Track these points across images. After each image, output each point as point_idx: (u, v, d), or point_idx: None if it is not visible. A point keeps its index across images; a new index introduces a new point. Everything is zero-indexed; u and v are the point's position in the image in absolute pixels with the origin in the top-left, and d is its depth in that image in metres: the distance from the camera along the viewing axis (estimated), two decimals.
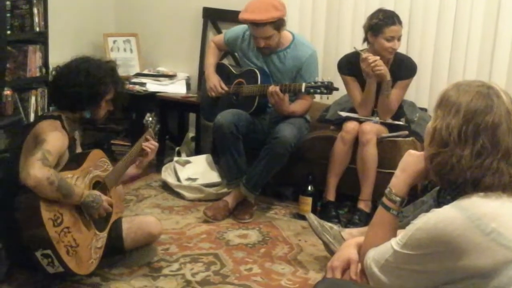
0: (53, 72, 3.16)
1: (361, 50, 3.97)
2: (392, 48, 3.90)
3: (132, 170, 3.25)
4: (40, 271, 2.74)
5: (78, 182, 2.83)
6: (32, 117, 4.39)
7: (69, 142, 2.93)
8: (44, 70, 4.47)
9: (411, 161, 1.89)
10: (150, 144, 3.25)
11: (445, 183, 1.76)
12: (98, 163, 3.05)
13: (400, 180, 1.90)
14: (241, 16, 3.97)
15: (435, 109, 1.77)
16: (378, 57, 3.83)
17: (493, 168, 1.65)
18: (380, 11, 3.93)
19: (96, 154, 3.08)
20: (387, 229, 1.90)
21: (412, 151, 1.91)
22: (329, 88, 3.84)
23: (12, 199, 2.68)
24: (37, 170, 2.59)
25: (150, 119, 3.43)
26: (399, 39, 3.92)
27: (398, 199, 1.88)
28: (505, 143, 1.66)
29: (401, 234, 1.74)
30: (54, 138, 2.79)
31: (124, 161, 3.15)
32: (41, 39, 4.44)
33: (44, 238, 2.58)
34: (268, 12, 3.87)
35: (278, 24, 3.94)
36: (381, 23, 3.84)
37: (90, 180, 2.94)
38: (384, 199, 1.91)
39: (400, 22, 3.91)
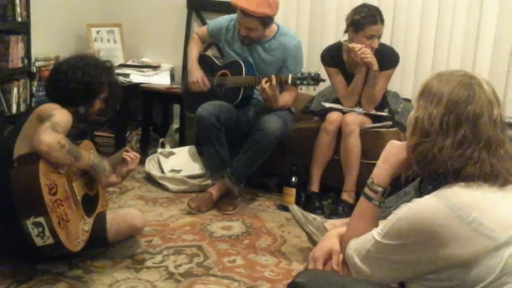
0: (51, 68, 3.20)
1: (346, 41, 3.97)
2: (371, 46, 3.89)
3: (112, 178, 3.28)
4: (25, 252, 2.75)
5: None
6: (14, 108, 4.36)
7: None
8: (26, 61, 4.44)
9: (393, 151, 1.89)
10: (131, 154, 3.29)
11: (426, 173, 1.76)
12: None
13: (382, 170, 1.90)
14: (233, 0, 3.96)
15: (417, 99, 1.78)
16: (363, 45, 3.83)
17: (474, 158, 1.66)
18: (364, 6, 3.92)
19: (87, 145, 3.16)
20: (368, 219, 1.91)
21: (394, 142, 1.92)
22: (316, 79, 3.84)
23: (1, 183, 2.73)
24: (48, 136, 2.66)
25: (134, 137, 3.50)
26: (379, 37, 3.93)
27: (380, 189, 1.89)
28: (486, 134, 1.67)
29: (383, 224, 1.75)
30: (62, 113, 2.85)
31: (110, 161, 3.20)
32: (23, 29, 4.40)
33: (39, 203, 2.59)
34: (260, 6, 3.86)
35: (266, 21, 3.94)
36: (363, 21, 3.84)
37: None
38: (366, 189, 1.92)
39: (382, 21, 3.90)
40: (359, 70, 3.94)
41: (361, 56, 3.84)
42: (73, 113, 3.03)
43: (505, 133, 1.73)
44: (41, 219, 2.60)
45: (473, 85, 1.70)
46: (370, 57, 3.84)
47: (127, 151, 3.30)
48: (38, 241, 2.63)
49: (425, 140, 1.71)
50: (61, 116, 2.82)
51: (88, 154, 2.93)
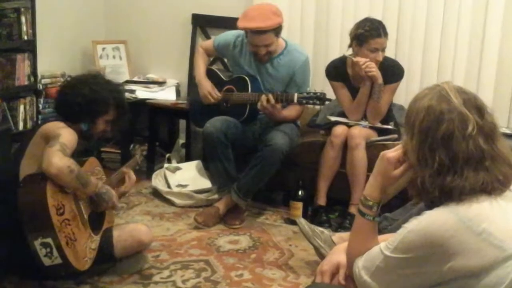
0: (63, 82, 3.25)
1: (350, 55, 3.98)
2: (376, 59, 3.90)
3: None
4: (33, 268, 2.74)
5: None
6: (21, 125, 4.38)
7: None
8: (32, 79, 4.47)
9: (380, 164, 1.87)
10: (130, 174, 3.31)
11: (420, 200, 1.78)
12: (94, 170, 3.14)
13: (371, 184, 1.90)
14: (242, 24, 3.95)
15: (404, 129, 1.80)
16: (368, 59, 3.85)
17: (458, 180, 1.65)
18: (367, 20, 3.93)
19: (92, 162, 3.17)
20: (365, 234, 1.90)
21: (384, 154, 1.87)
22: (321, 99, 3.88)
23: (8, 201, 2.73)
24: (58, 159, 2.67)
25: (138, 149, 3.52)
26: (383, 51, 3.94)
27: (370, 203, 1.88)
28: (462, 152, 1.65)
29: (391, 238, 1.74)
30: (68, 133, 2.87)
31: (109, 180, 3.22)
32: (29, 47, 4.43)
33: (47, 224, 2.61)
34: (269, 19, 3.87)
35: (278, 30, 3.95)
36: (366, 34, 3.85)
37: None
38: (360, 206, 1.91)
39: (385, 34, 3.92)
40: (363, 84, 3.95)
41: (366, 70, 3.85)
42: (77, 130, 3.06)
43: (493, 140, 1.70)
44: (49, 240, 2.61)
45: (441, 103, 1.68)
46: (374, 70, 3.85)
47: (125, 172, 3.31)
48: (46, 261, 2.64)
49: (410, 172, 1.75)
50: (67, 136, 2.83)
51: (95, 182, 2.94)
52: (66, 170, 2.68)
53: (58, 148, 2.71)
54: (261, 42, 3.94)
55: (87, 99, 3.04)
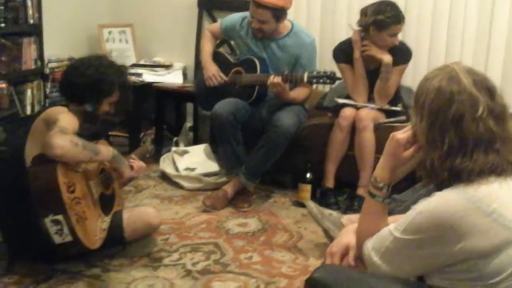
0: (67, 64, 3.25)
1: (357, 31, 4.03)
2: (393, 43, 3.95)
3: None
4: (44, 250, 2.77)
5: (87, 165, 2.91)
6: (28, 109, 4.38)
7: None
8: (39, 63, 4.47)
9: (390, 145, 1.87)
10: (137, 162, 3.29)
11: (429, 181, 1.77)
12: None
13: (381, 165, 1.90)
14: None
15: (412, 110, 1.79)
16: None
17: (467, 161, 1.64)
18: (387, 5, 3.92)
19: (103, 144, 3.16)
20: (375, 216, 1.90)
21: (394, 135, 1.87)
22: (332, 78, 3.87)
23: (17, 185, 2.74)
24: (58, 139, 2.64)
25: (148, 139, 3.53)
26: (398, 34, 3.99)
27: (381, 185, 1.88)
28: (472, 133, 1.65)
29: (401, 219, 1.74)
30: (67, 117, 2.85)
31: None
32: (36, 31, 4.42)
33: (58, 201, 2.61)
34: None
35: (279, 13, 3.93)
36: (388, 21, 3.87)
37: (98, 166, 3.02)
38: (370, 187, 1.92)
39: (403, 19, 3.97)
40: (356, 60, 3.98)
41: (361, 49, 3.95)
42: (82, 112, 3.06)
43: (504, 121, 1.69)
44: (59, 217, 2.62)
45: (452, 84, 1.68)
46: (370, 49, 3.96)
47: (134, 159, 3.31)
48: (57, 239, 2.65)
49: (419, 153, 1.75)
50: (67, 119, 2.82)
51: (106, 147, 2.97)
52: (70, 145, 2.65)
53: (56, 130, 2.70)
54: (255, 14, 3.95)
55: (92, 79, 3.03)
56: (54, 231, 2.63)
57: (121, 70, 3.22)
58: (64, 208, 2.62)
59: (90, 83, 3.02)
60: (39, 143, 2.80)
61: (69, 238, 2.66)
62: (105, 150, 2.93)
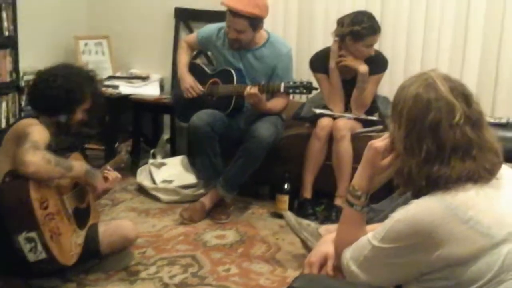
0: (34, 76, 3.17)
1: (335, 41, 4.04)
2: (369, 53, 3.96)
3: None
4: (18, 267, 2.71)
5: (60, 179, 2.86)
6: (3, 123, 4.33)
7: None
8: (14, 75, 4.42)
9: (368, 154, 1.87)
10: (112, 173, 3.25)
11: (406, 189, 1.77)
12: None
13: (359, 174, 1.89)
14: (223, 0, 3.95)
15: (390, 118, 1.78)
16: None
17: (444, 168, 1.64)
18: (363, 15, 3.94)
19: (76, 156, 3.12)
20: (353, 225, 1.89)
21: (372, 143, 1.87)
22: (308, 88, 3.87)
23: None
24: (31, 156, 2.62)
25: (124, 147, 3.49)
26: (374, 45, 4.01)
27: (359, 193, 1.87)
28: (450, 140, 1.65)
29: (379, 228, 1.73)
30: (38, 131, 2.81)
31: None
32: (11, 43, 4.38)
33: (31, 218, 2.58)
34: (248, 6, 3.86)
35: (255, 22, 3.93)
36: (364, 32, 3.89)
37: (71, 179, 2.97)
38: (348, 196, 1.91)
39: (379, 30, 3.99)
40: (332, 70, 3.99)
41: (337, 60, 3.99)
42: (55, 124, 3.02)
43: (480, 128, 1.69)
44: (33, 234, 2.58)
45: (429, 91, 1.68)
46: (345, 60, 3.98)
47: (108, 170, 3.26)
48: (31, 257, 2.62)
49: (397, 161, 1.74)
50: (37, 133, 2.78)
51: (79, 163, 2.92)
52: (43, 162, 2.63)
53: (28, 146, 2.66)
54: (232, 24, 3.95)
55: (63, 90, 2.98)
56: (28, 248, 2.59)
57: (90, 76, 3.18)
58: (37, 225, 2.59)
59: (61, 94, 2.98)
60: (10, 158, 2.76)
61: (43, 256, 2.62)
62: (78, 166, 2.89)
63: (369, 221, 2.01)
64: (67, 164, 2.79)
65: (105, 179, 3.20)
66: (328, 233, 2.84)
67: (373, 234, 1.74)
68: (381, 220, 1.91)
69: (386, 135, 1.83)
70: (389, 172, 1.86)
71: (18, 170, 2.64)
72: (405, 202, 1.72)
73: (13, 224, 2.60)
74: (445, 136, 1.64)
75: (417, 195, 1.69)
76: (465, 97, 1.69)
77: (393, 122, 1.75)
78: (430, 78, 1.71)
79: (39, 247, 2.60)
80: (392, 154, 1.79)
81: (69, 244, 2.79)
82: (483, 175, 1.65)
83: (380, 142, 1.83)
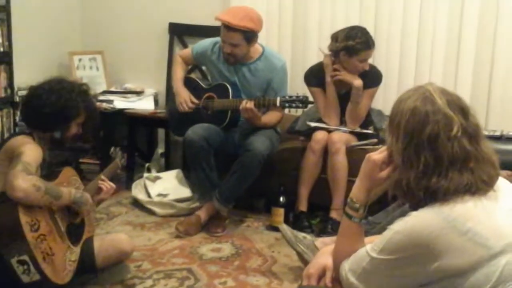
0: (27, 92, 3.15)
1: (327, 55, 4.05)
2: (363, 68, 3.99)
3: None
4: (13, 285, 2.66)
5: None
6: None
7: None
8: (9, 91, 4.43)
9: (366, 166, 1.88)
10: (107, 184, 3.23)
11: (405, 201, 1.78)
12: (70, 180, 3.06)
13: (357, 186, 1.91)
14: (218, 14, 3.98)
15: (387, 131, 1.80)
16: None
17: (442, 181, 1.66)
18: (357, 30, 3.97)
19: (68, 171, 3.09)
20: (351, 237, 1.91)
21: (370, 156, 1.89)
22: (304, 102, 3.89)
23: None
24: (21, 181, 2.58)
25: (119, 152, 3.47)
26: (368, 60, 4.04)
27: (357, 205, 1.89)
28: (447, 153, 1.66)
29: (377, 240, 1.75)
30: (31, 150, 2.79)
31: (87, 191, 3.13)
32: (6, 59, 4.39)
33: (22, 242, 2.55)
34: (242, 20, 3.88)
35: (249, 36, 3.95)
36: (358, 47, 3.91)
37: None
38: (346, 208, 1.93)
39: (374, 44, 4.01)
40: (328, 84, 4.02)
41: (331, 74, 4.01)
42: (49, 139, 3.02)
43: (477, 140, 1.71)
44: (25, 257, 2.56)
45: (426, 104, 1.70)
46: (340, 75, 3.99)
47: (103, 180, 3.24)
48: (25, 278, 2.60)
49: (395, 173, 1.76)
50: (30, 153, 2.76)
51: (68, 190, 2.86)
52: (32, 189, 2.60)
53: (20, 169, 2.63)
54: (226, 38, 3.97)
55: (56, 107, 2.96)
56: (21, 271, 2.58)
57: (83, 90, 3.14)
58: (29, 248, 2.56)
59: (55, 111, 2.96)
60: (1, 177, 2.74)
61: (36, 277, 2.60)
62: (67, 194, 2.82)
63: (366, 234, 2.02)
64: (56, 193, 2.74)
65: (100, 189, 3.20)
66: (324, 245, 2.85)
67: (371, 246, 1.75)
68: (378, 232, 1.93)
69: (383, 147, 1.85)
70: (385, 184, 1.87)
71: (7, 193, 2.60)
72: (403, 214, 1.73)
73: (5, 247, 2.57)
74: (443, 149, 1.66)
75: (415, 207, 1.71)
76: (462, 110, 1.71)
77: (391, 135, 1.77)
78: (428, 91, 1.73)
79: (32, 269, 2.58)
80: (390, 167, 1.81)
81: (63, 263, 2.77)
82: (480, 187, 1.67)
83: (378, 154, 1.85)
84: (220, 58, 4.14)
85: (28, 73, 4.66)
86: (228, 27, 3.90)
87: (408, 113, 1.71)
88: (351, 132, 4.05)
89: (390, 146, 1.78)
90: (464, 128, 1.68)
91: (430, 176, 1.66)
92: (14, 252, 2.56)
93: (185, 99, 4.18)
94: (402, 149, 1.71)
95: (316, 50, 4.50)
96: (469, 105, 1.75)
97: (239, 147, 4.00)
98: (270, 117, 4.08)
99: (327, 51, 4.07)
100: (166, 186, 4.44)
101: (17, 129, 4.49)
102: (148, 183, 4.47)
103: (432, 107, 1.69)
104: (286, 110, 4.20)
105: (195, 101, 4.17)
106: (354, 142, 4.00)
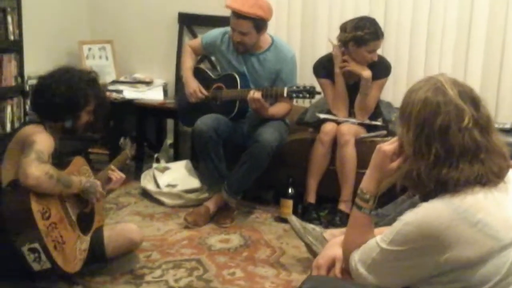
0: (36, 82, 3.16)
1: (336, 45, 4.06)
2: (372, 59, 3.98)
3: None
4: (25, 272, 2.71)
5: None
6: (8, 127, 4.35)
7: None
8: (19, 79, 4.43)
9: (377, 157, 1.88)
10: (116, 174, 3.25)
11: (415, 192, 1.78)
12: (80, 169, 3.09)
13: (368, 177, 1.91)
14: (227, 2, 3.98)
15: (398, 122, 1.80)
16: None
17: (453, 171, 1.66)
18: (366, 21, 3.96)
19: (79, 161, 3.13)
20: (361, 228, 1.91)
21: (381, 147, 1.88)
22: (311, 92, 3.88)
23: None
24: (34, 168, 2.62)
25: (128, 142, 3.49)
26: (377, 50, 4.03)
27: (367, 196, 1.89)
28: (458, 144, 1.66)
29: (387, 231, 1.75)
30: (43, 139, 2.82)
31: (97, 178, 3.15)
32: (16, 48, 4.40)
33: (33, 230, 2.58)
34: (252, 8, 3.87)
35: (259, 24, 3.94)
36: (367, 37, 3.90)
37: None
38: (357, 199, 1.93)
39: (382, 35, 4.00)
40: (337, 75, 4.00)
41: (340, 65, 4.00)
42: (60, 128, 3.03)
43: (488, 132, 1.71)
44: (36, 245, 2.59)
45: (438, 95, 1.69)
46: (348, 65, 3.99)
47: (112, 170, 3.26)
48: (36, 266, 2.63)
49: (406, 164, 1.75)
50: (42, 142, 2.79)
51: (78, 179, 2.90)
52: (45, 178, 2.64)
53: (33, 157, 2.67)
54: (236, 26, 3.96)
55: (66, 97, 2.98)
56: (32, 259, 2.60)
57: (92, 78, 3.16)
58: (40, 236, 2.59)
59: (65, 101, 2.98)
60: (14, 165, 2.76)
61: (47, 265, 2.63)
62: (77, 183, 2.87)
63: (375, 225, 2.03)
64: (67, 181, 2.79)
65: (109, 179, 3.21)
66: (333, 237, 2.86)
67: (381, 237, 1.75)
68: (387, 224, 1.93)
69: (394, 138, 1.85)
70: (395, 175, 1.87)
71: (20, 181, 2.64)
72: (412, 206, 1.73)
73: (16, 235, 2.60)
74: (453, 140, 1.66)
75: (425, 198, 1.71)
76: (474, 101, 1.71)
77: (402, 126, 1.76)
78: (439, 82, 1.73)
79: (43, 257, 2.61)
80: (400, 158, 1.80)
81: (73, 252, 2.79)
82: (491, 178, 1.67)
83: (389, 145, 1.84)
84: (230, 48, 4.14)
85: (38, 62, 4.68)
86: (238, 15, 3.90)
87: (419, 103, 1.71)
88: (360, 124, 4.05)
89: (401, 137, 1.78)
90: (475, 119, 1.68)
91: (441, 167, 1.66)
92: (25, 240, 2.59)
93: (195, 89, 4.17)
94: (413, 139, 1.71)
95: (325, 41, 4.49)
96: (480, 96, 1.75)
97: (248, 138, 4.00)
98: (278, 108, 4.08)
99: (335, 42, 4.06)
100: (175, 176, 4.44)
101: (27, 118, 4.50)
102: (157, 173, 4.48)
103: (444, 98, 1.68)
104: (295, 101, 4.19)
105: (205, 92, 4.17)
106: (363, 133, 4.00)
